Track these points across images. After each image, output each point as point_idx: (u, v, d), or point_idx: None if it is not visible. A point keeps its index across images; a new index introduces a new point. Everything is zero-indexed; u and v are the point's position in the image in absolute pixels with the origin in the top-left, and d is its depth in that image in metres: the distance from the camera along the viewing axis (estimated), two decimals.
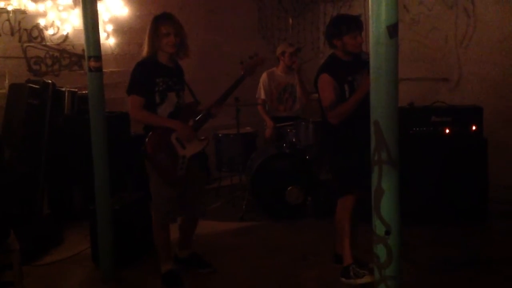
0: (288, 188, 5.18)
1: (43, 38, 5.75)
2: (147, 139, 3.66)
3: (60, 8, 5.76)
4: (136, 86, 3.67)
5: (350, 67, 3.76)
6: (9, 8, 5.45)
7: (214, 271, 4.03)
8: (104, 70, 3.95)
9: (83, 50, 4.79)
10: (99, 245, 3.98)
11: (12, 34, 5.54)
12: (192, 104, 3.90)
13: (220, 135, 5.92)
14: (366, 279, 3.68)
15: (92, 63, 3.74)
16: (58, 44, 5.86)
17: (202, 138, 3.86)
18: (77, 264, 4.29)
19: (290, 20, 7.45)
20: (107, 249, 3.95)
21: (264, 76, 5.92)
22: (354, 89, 3.70)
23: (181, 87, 3.85)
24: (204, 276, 4.00)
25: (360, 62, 3.71)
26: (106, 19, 6.07)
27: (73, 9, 5.80)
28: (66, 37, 5.87)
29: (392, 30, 2.11)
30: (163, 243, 3.86)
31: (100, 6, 5.85)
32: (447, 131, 4.78)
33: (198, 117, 3.84)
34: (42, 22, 5.68)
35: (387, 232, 2.23)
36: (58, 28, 5.81)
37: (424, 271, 3.90)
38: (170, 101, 3.73)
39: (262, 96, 5.88)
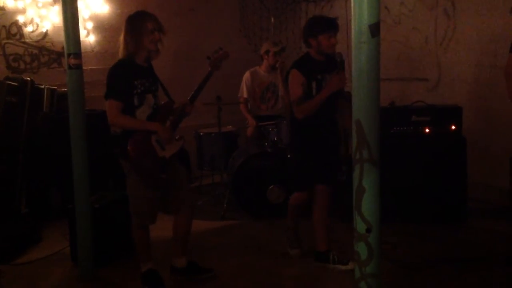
0: (270, 187, 5.19)
1: (22, 35, 5.68)
2: (129, 142, 3.56)
3: (40, 5, 5.70)
4: (114, 90, 3.54)
5: (321, 66, 3.94)
6: None
7: (214, 275, 3.95)
8: (84, 67, 3.91)
9: (62, 47, 4.72)
10: (78, 244, 3.95)
11: None
12: (167, 104, 3.84)
13: (201, 134, 5.90)
14: (296, 253, 4.24)
15: (72, 61, 3.70)
16: (37, 41, 5.80)
17: (177, 137, 3.83)
18: (56, 263, 4.25)
19: (272, 20, 7.46)
20: (86, 248, 3.91)
21: (247, 74, 5.91)
22: (321, 88, 3.88)
23: (157, 87, 3.79)
24: None
25: (332, 63, 3.88)
26: (86, 17, 6.02)
27: (53, 6, 5.74)
28: (46, 34, 5.81)
29: (374, 29, 2.12)
30: (143, 243, 3.82)
31: (80, 3, 5.79)
32: (427, 130, 4.82)
33: (174, 117, 3.80)
34: (21, 19, 5.62)
35: (368, 230, 2.25)
36: (37, 25, 5.75)
37: (404, 268, 3.93)
38: (148, 103, 3.66)
39: (245, 95, 5.87)
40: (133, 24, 3.60)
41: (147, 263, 3.83)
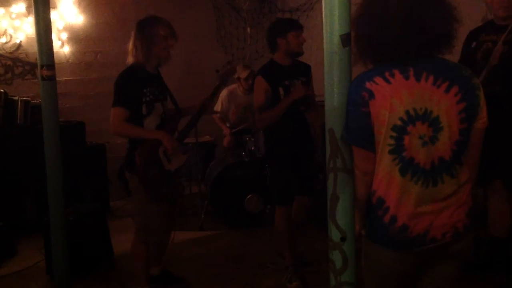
0: (247, 197, 5.19)
1: None
2: (136, 152, 3.36)
3: (13, 16, 5.65)
4: (122, 97, 3.33)
5: (287, 71, 3.80)
6: None
7: (186, 285, 3.92)
8: (58, 79, 3.88)
9: (36, 58, 4.71)
10: (53, 257, 3.89)
11: None
12: (175, 114, 3.66)
13: None
14: (295, 286, 3.82)
15: (45, 72, 3.65)
16: (11, 53, 5.74)
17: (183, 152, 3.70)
18: (31, 277, 4.20)
19: (248, 30, 7.48)
20: (61, 261, 3.84)
21: (224, 93, 5.85)
22: (289, 94, 3.73)
23: (165, 96, 3.60)
24: None
25: (298, 68, 3.83)
26: (61, 27, 5.98)
27: (26, 17, 5.70)
28: (19, 46, 5.75)
29: (345, 39, 2.13)
30: (145, 261, 3.64)
31: (54, 14, 5.77)
32: None
33: (183, 128, 3.66)
34: None
35: (343, 239, 2.24)
36: (11, 36, 5.69)
37: None
38: (157, 112, 3.46)
39: (218, 109, 5.87)
40: (144, 30, 3.42)
41: (148, 286, 3.65)
